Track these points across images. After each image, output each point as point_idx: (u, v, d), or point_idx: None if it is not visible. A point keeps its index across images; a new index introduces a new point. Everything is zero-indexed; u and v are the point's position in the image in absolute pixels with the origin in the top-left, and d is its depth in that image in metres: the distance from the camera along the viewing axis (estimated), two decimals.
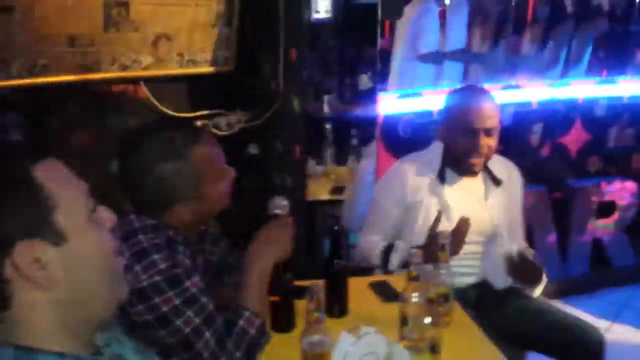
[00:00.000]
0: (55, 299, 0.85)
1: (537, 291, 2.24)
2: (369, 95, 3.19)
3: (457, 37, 3.21)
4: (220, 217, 1.72)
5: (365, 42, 3.63)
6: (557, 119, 3.52)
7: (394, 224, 2.28)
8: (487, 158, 2.18)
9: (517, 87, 3.36)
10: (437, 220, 2.07)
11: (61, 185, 0.87)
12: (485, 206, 2.24)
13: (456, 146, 2.17)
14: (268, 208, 1.69)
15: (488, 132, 2.12)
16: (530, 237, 2.42)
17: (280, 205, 1.69)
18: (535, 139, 3.51)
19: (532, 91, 3.39)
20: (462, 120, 2.15)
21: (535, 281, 2.16)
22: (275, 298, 1.71)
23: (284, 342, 1.67)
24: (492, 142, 2.14)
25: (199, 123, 2.59)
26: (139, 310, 1.41)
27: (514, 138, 3.33)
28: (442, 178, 2.22)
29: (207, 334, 1.44)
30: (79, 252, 0.87)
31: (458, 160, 2.19)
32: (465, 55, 3.21)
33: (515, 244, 2.26)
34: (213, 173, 1.55)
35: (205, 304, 1.47)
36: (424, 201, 2.21)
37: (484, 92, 2.25)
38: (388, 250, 2.19)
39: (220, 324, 1.48)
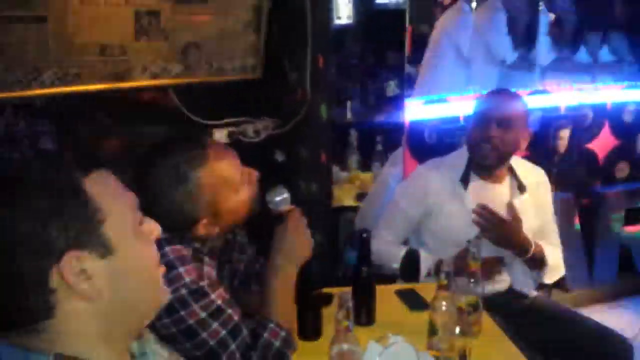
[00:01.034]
0: (98, 310, 0.86)
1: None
2: (395, 102, 3.19)
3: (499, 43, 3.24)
4: (247, 224, 1.69)
5: (391, 48, 3.64)
6: (585, 124, 3.49)
7: (410, 226, 2.28)
8: (501, 153, 2.16)
9: (545, 92, 3.33)
10: (478, 244, 1.88)
11: (111, 198, 0.88)
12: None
13: (471, 138, 2.18)
14: (269, 202, 1.62)
15: (500, 123, 2.11)
16: None
17: (283, 199, 1.63)
18: (562, 144, 3.48)
19: (560, 96, 3.36)
20: (479, 112, 2.18)
21: (511, 242, 2.15)
22: (302, 306, 1.71)
23: (311, 350, 1.68)
24: (505, 135, 2.12)
25: (226, 130, 2.62)
26: (165, 323, 1.41)
27: (542, 143, 3.31)
28: (465, 182, 2.21)
29: (233, 347, 1.45)
30: (124, 264, 0.87)
31: (471, 154, 2.19)
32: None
33: (548, 247, 2.25)
34: (227, 187, 1.51)
35: (231, 315, 1.47)
36: (445, 205, 2.21)
37: (507, 91, 2.28)
38: (409, 260, 2.20)
39: (246, 335, 1.48)
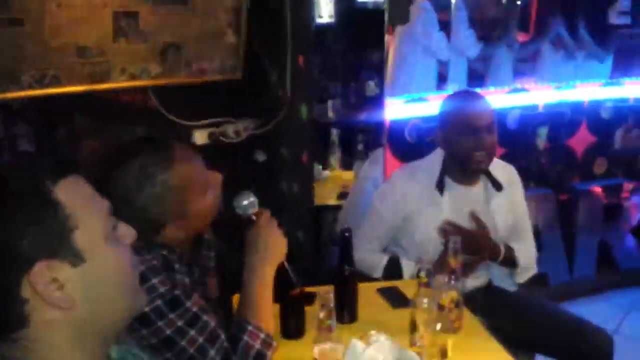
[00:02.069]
0: (73, 318, 0.85)
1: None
2: (375, 101, 3.21)
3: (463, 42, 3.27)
4: (228, 224, 1.66)
5: (371, 47, 3.65)
6: (563, 121, 3.53)
7: (390, 233, 2.29)
8: (491, 156, 2.17)
9: (523, 90, 3.37)
10: (457, 241, 1.88)
11: (82, 205, 0.86)
12: (486, 213, 2.22)
13: (460, 147, 2.15)
14: (236, 207, 1.61)
15: (488, 129, 2.13)
16: (536, 239, 2.42)
17: (250, 203, 1.61)
18: (541, 141, 3.52)
19: (538, 94, 3.40)
20: (464, 120, 2.14)
21: (480, 251, 2.16)
22: (284, 305, 1.72)
23: (294, 349, 1.68)
24: (493, 138, 2.15)
25: (206, 131, 2.62)
26: (143, 334, 1.41)
27: (520, 141, 3.35)
28: (440, 187, 2.21)
29: (212, 352, 1.44)
30: (97, 271, 0.86)
31: (463, 162, 2.17)
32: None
33: (521, 244, 2.27)
34: (194, 188, 1.50)
35: (206, 322, 1.46)
36: (422, 211, 2.20)
37: (476, 93, 2.30)
38: (391, 267, 2.21)
39: (223, 340, 1.47)
